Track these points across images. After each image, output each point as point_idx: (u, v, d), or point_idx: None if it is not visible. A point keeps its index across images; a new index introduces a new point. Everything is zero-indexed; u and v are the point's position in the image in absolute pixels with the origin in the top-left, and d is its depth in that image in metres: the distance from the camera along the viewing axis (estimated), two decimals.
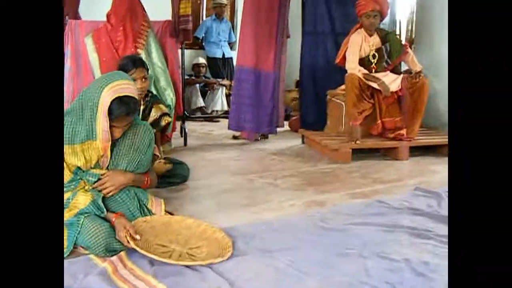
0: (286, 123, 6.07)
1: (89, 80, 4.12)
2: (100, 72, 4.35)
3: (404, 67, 5.22)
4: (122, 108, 2.24)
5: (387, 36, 4.80)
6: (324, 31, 5.43)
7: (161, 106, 3.88)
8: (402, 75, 4.69)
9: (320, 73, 5.43)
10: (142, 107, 3.70)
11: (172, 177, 3.58)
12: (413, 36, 6.19)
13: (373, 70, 4.68)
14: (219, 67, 7.98)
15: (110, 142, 2.30)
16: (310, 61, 5.42)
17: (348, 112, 4.74)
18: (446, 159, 4.17)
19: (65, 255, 2.17)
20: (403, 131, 4.68)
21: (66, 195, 2.28)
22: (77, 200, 2.27)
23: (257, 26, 5.19)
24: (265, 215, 2.97)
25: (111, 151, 2.39)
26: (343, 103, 4.89)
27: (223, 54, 8.05)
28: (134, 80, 3.25)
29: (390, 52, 4.73)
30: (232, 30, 8.34)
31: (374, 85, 4.55)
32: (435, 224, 2.75)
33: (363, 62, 4.69)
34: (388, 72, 4.72)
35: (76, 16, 5.18)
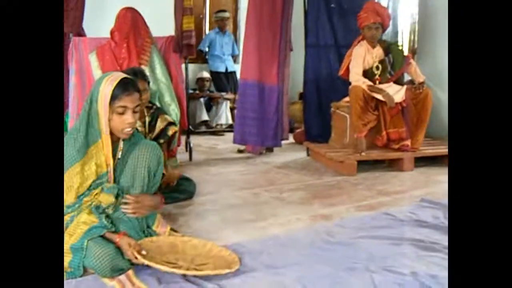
0: (291, 135, 6.07)
1: None
2: None
3: (406, 77, 5.23)
4: (125, 86, 2.31)
5: (389, 48, 4.82)
6: (326, 44, 5.46)
7: (167, 116, 3.89)
8: (405, 86, 4.70)
9: (324, 85, 5.45)
10: (148, 119, 3.70)
11: (178, 193, 3.58)
12: (416, 46, 6.20)
13: (377, 82, 4.69)
14: (223, 81, 8.00)
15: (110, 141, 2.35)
16: (314, 74, 5.44)
17: (352, 124, 4.75)
18: None
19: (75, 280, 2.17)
20: (408, 142, 4.67)
21: (67, 217, 2.28)
22: (79, 220, 2.26)
23: (260, 40, 5.21)
24: (271, 230, 2.97)
25: (121, 169, 2.41)
26: (347, 115, 4.90)
27: (226, 68, 8.08)
28: None
29: (393, 64, 4.75)
30: (235, 43, 8.38)
31: (379, 96, 4.57)
32: (441, 236, 2.74)
33: (367, 73, 4.71)
34: (392, 83, 4.73)
35: (80, 33, 5.22)
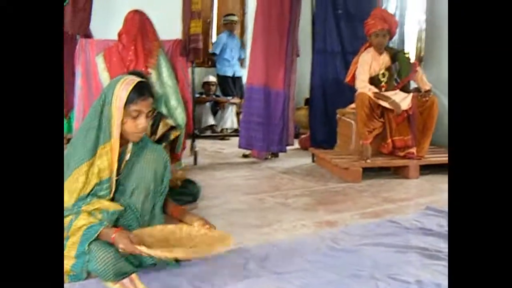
0: (296, 141, 6.06)
1: None
2: None
3: (412, 85, 5.22)
4: (140, 90, 2.29)
5: (396, 55, 4.82)
6: (333, 50, 5.48)
7: (168, 121, 3.89)
8: (411, 94, 4.70)
9: (330, 91, 5.47)
10: (150, 122, 3.71)
11: (182, 195, 3.57)
12: (422, 53, 6.20)
13: (383, 89, 4.69)
14: (230, 85, 8.02)
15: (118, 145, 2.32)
16: (320, 80, 5.46)
17: (358, 130, 4.74)
18: None
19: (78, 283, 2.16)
20: (413, 150, 4.66)
21: (67, 219, 2.26)
22: (77, 224, 2.24)
23: (267, 45, 5.21)
24: (276, 235, 2.96)
25: (127, 171, 2.40)
26: (353, 122, 4.90)
27: (234, 73, 8.09)
28: None
29: (399, 71, 4.75)
30: (241, 47, 8.40)
31: (385, 103, 4.56)
32: (446, 244, 2.73)
33: (373, 80, 4.71)
34: (398, 90, 4.73)
35: (87, 35, 5.24)
